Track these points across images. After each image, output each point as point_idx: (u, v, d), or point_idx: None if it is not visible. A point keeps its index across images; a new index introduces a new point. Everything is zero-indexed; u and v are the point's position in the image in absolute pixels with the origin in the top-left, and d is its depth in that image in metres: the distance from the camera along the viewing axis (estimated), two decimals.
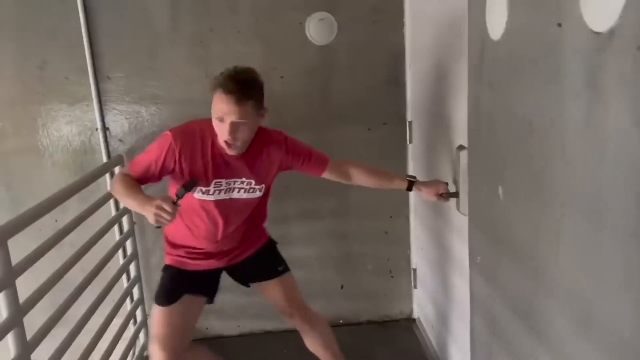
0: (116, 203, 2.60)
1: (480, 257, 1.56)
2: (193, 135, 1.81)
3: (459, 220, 1.86)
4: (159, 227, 1.67)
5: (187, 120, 2.48)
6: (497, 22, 1.26)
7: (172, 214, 1.58)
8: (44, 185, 2.57)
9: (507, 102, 1.25)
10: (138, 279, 2.70)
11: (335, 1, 2.55)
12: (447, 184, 1.91)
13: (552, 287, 1.09)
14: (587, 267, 0.95)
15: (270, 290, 2.09)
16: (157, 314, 1.92)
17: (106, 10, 2.48)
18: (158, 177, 1.82)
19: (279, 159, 1.93)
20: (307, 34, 2.55)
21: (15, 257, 1.55)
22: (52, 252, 1.76)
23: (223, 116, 1.69)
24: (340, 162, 2.06)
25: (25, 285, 1.61)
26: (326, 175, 2.03)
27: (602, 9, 0.82)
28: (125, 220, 2.61)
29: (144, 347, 2.73)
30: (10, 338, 1.43)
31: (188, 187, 1.74)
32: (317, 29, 2.53)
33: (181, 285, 1.96)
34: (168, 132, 1.81)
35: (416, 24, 2.46)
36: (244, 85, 1.67)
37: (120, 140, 2.62)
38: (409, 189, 2.01)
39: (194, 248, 1.97)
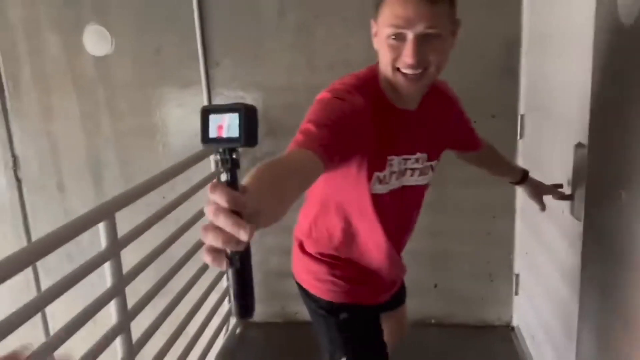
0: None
1: (594, 269, 1.39)
2: (374, 89, 1.17)
3: (571, 226, 1.68)
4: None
5: (289, 107, 2.54)
6: (630, 1, 1.09)
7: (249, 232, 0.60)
8: (155, 164, 2.72)
9: None
10: None
11: None
12: (561, 185, 1.72)
13: None
14: None
15: (396, 318, 1.66)
16: None
17: None
18: (341, 156, 1.01)
19: (452, 121, 1.37)
20: None
21: (124, 229, 1.66)
22: (157, 227, 1.85)
23: (403, 28, 1.06)
24: None
25: (133, 254, 1.71)
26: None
27: None
28: None
29: (238, 324, 2.82)
30: (112, 305, 1.53)
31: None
32: None
33: (378, 331, 1.45)
34: (346, 90, 1.12)
35: (536, 9, 2.25)
36: None
37: None
38: (521, 182, 1.73)
39: (370, 271, 1.41)
